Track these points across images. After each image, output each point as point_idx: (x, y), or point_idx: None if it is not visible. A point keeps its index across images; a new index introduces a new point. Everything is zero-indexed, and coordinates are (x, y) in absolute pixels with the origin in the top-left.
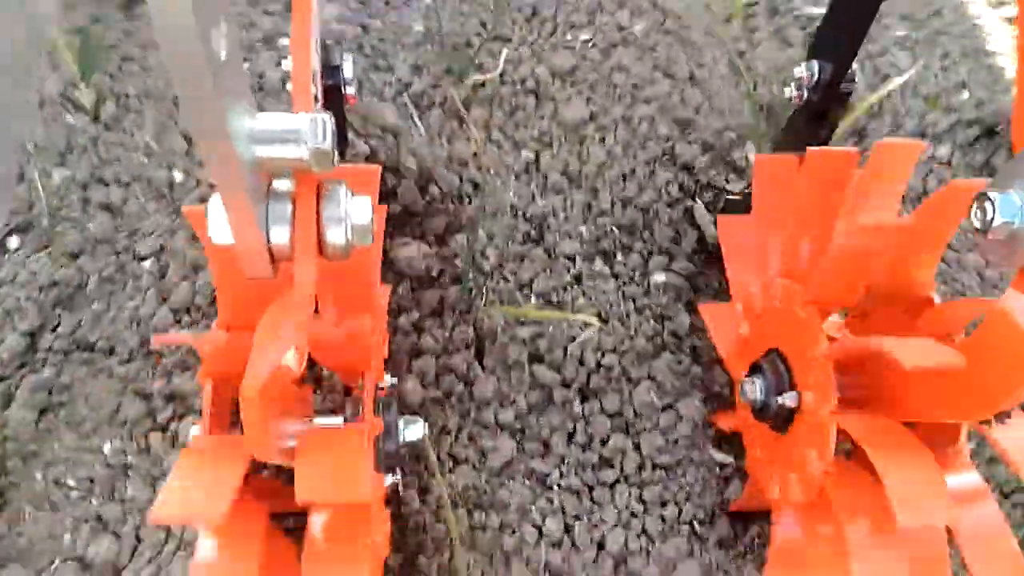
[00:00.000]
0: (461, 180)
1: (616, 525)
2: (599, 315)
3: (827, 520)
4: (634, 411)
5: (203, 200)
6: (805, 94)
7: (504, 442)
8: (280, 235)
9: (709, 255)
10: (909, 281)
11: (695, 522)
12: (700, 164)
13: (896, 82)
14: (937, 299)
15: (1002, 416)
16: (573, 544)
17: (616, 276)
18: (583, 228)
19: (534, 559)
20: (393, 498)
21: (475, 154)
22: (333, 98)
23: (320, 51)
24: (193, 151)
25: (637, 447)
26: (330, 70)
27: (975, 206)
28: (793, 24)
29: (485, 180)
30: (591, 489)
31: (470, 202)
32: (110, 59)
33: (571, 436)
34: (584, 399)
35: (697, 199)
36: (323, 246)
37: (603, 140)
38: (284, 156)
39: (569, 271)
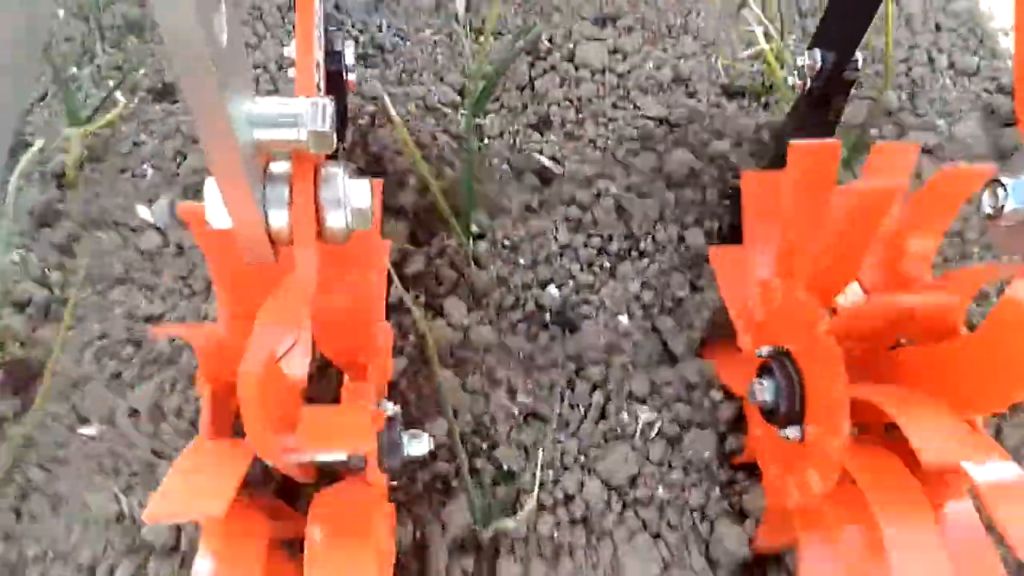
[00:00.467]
0: None
1: None
2: None
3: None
4: None
5: None
6: (808, 82)
7: None
8: (278, 218)
9: None
10: (907, 260)
11: None
12: None
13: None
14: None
15: (1016, 409)
16: None
17: None
18: None
19: None
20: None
21: None
22: (334, 83)
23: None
24: None
25: None
26: (332, 56)
27: (986, 191)
28: None
29: None
30: None
31: None
32: None
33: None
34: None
35: None
36: (322, 229)
37: None
38: (284, 139)
39: None
